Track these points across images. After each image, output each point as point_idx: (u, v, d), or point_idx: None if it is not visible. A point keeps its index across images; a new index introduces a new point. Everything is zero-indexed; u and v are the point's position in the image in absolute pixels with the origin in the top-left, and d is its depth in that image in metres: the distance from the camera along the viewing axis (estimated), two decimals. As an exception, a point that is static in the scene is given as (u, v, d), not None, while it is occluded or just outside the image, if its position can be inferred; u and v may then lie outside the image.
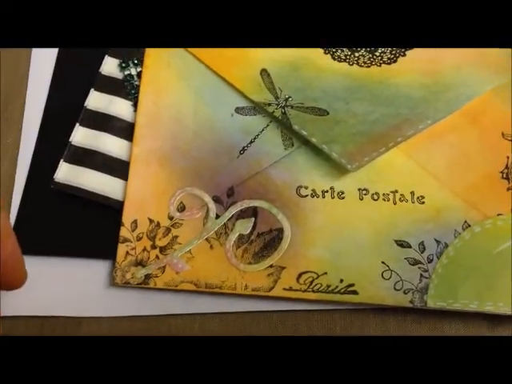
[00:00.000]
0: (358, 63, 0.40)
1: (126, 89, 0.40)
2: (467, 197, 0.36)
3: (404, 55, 0.40)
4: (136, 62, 0.40)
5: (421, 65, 0.39)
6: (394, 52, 0.40)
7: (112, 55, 0.41)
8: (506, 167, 0.37)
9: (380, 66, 0.40)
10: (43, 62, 0.43)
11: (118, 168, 0.38)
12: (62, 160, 0.38)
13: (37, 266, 0.36)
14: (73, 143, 0.39)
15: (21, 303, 0.36)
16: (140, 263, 0.36)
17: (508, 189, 0.36)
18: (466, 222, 0.35)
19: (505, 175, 0.37)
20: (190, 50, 0.40)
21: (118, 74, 0.40)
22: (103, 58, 0.41)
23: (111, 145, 0.39)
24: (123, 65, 0.40)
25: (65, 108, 0.40)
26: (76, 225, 0.37)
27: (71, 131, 0.39)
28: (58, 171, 0.38)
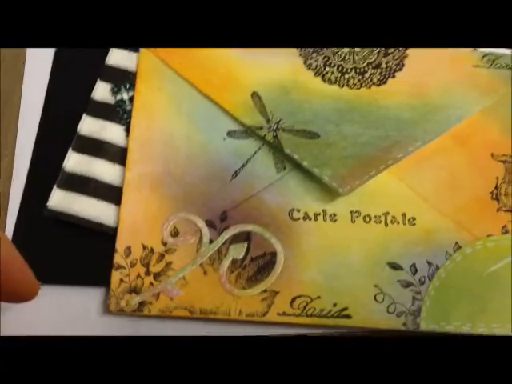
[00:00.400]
0: (348, 85, 0.40)
1: (119, 114, 0.40)
2: (457, 218, 0.37)
3: (393, 76, 0.40)
4: (128, 86, 0.41)
5: (410, 86, 0.40)
6: (383, 73, 0.41)
7: (104, 80, 0.41)
8: (496, 188, 0.37)
9: (370, 87, 0.40)
10: (36, 82, 0.43)
11: (111, 194, 0.38)
12: (55, 186, 0.39)
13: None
14: (66, 169, 0.39)
15: (12, 332, 0.36)
16: (134, 290, 0.36)
17: (498, 209, 0.37)
18: (456, 243, 0.36)
19: (494, 196, 0.37)
20: (181, 74, 0.40)
21: (110, 99, 0.41)
22: (95, 82, 0.41)
23: (105, 170, 0.39)
24: (115, 89, 0.41)
25: (58, 132, 0.40)
26: (70, 251, 0.37)
27: (64, 156, 0.39)
28: (51, 198, 0.38)
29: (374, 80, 0.40)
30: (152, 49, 0.41)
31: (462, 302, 0.35)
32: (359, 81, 0.40)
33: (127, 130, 0.40)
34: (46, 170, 0.39)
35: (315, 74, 0.41)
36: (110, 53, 0.41)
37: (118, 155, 0.39)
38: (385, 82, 0.40)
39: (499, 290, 0.35)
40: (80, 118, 0.40)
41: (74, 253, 0.37)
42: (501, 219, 0.37)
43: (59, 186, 0.39)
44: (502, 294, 0.35)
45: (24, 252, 0.37)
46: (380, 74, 0.41)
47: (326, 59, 0.41)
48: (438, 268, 0.35)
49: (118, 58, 0.41)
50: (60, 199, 0.38)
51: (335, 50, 0.41)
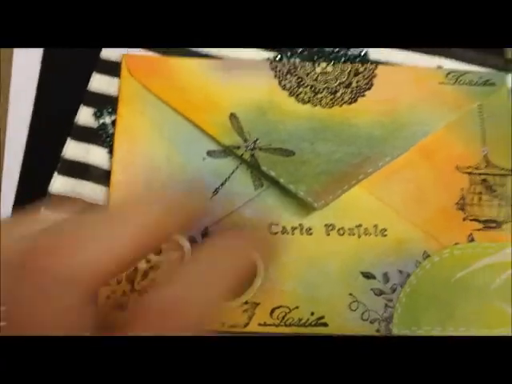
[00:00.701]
0: (320, 104, 0.42)
1: (102, 137, 0.42)
2: (426, 228, 0.39)
3: (363, 95, 0.43)
4: (110, 110, 0.42)
5: (379, 104, 0.42)
6: (354, 92, 0.43)
7: (86, 105, 0.43)
8: (462, 198, 0.40)
9: (341, 106, 0.42)
10: (21, 107, 0.44)
11: (96, 214, 0.40)
12: (42, 208, 0.40)
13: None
14: (52, 192, 0.41)
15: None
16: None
17: (464, 219, 0.39)
18: (425, 251, 0.38)
19: (460, 206, 0.39)
20: (162, 97, 0.42)
21: (93, 123, 0.42)
22: (78, 108, 0.43)
23: (90, 192, 0.41)
24: (98, 114, 0.42)
25: (44, 155, 0.42)
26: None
27: (51, 177, 0.41)
28: (38, 218, 0.40)
29: (346, 99, 0.43)
30: (133, 69, 0.43)
31: (432, 308, 0.37)
32: (331, 100, 0.42)
33: (110, 153, 0.41)
34: (34, 191, 0.41)
35: (289, 94, 0.43)
36: (91, 78, 0.43)
37: (102, 177, 0.41)
38: (355, 101, 0.42)
39: (466, 296, 0.37)
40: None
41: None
42: (467, 228, 0.39)
43: (46, 208, 0.40)
44: (469, 300, 0.37)
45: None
46: (351, 92, 0.43)
47: (299, 80, 0.43)
48: (408, 276, 0.37)
49: (99, 83, 0.43)
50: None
51: (308, 70, 0.43)
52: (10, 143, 0.43)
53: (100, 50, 0.44)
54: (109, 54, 0.43)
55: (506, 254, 0.38)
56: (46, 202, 0.40)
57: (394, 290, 0.37)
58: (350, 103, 0.42)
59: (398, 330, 0.36)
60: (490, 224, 0.39)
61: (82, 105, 0.43)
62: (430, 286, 0.37)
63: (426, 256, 0.38)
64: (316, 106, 0.42)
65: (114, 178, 0.40)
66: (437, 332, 0.36)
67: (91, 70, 0.43)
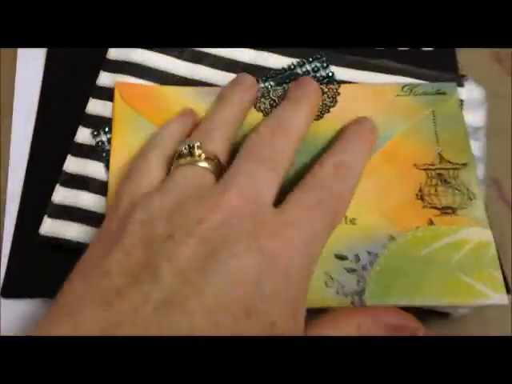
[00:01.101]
0: (290, 121, 0.48)
1: (99, 153, 0.47)
2: (391, 216, 0.43)
3: (329, 111, 0.48)
4: (106, 130, 0.47)
5: (343, 119, 0.47)
6: (320, 109, 0.48)
7: (84, 126, 0.48)
8: (420, 190, 0.45)
9: None
10: (23, 127, 0.49)
11: (95, 219, 0.44)
12: (45, 216, 0.45)
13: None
14: (54, 202, 0.45)
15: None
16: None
17: (423, 207, 0.44)
18: (391, 235, 0.43)
19: (419, 197, 0.44)
20: (153, 121, 0.47)
21: (91, 141, 0.47)
22: (77, 129, 0.48)
23: (89, 200, 0.45)
24: (95, 133, 0.47)
25: (46, 170, 0.47)
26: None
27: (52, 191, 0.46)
28: (42, 227, 0.44)
29: (313, 116, 0.48)
30: (125, 95, 0.48)
31: (399, 282, 0.41)
32: (300, 118, 0.48)
33: (107, 166, 0.46)
34: (37, 202, 0.46)
35: (264, 114, 0.48)
36: (88, 103, 0.49)
37: (99, 188, 0.46)
38: (322, 117, 0.48)
39: (429, 270, 0.41)
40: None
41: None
42: (426, 214, 0.44)
43: (49, 216, 0.45)
44: (432, 273, 0.41)
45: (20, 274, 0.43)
46: (318, 110, 0.48)
47: (272, 102, 0.49)
48: (377, 256, 0.42)
49: (95, 106, 0.49)
50: (50, 226, 0.44)
51: (279, 93, 0.49)
52: (14, 144, 0.48)
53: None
54: (103, 81, 0.49)
55: (463, 234, 0.43)
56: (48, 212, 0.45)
57: (364, 269, 0.41)
58: (318, 119, 0.48)
59: (370, 301, 0.40)
60: (446, 210, 0.44)
61: (80, 126, 0.48)
62: (397, 264, 0.41)
63: (392, 239, 0.42)
64: (287, 122, 0.47)
65: (110, 190, 0.45)
66: (404, 302, 0.40)
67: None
